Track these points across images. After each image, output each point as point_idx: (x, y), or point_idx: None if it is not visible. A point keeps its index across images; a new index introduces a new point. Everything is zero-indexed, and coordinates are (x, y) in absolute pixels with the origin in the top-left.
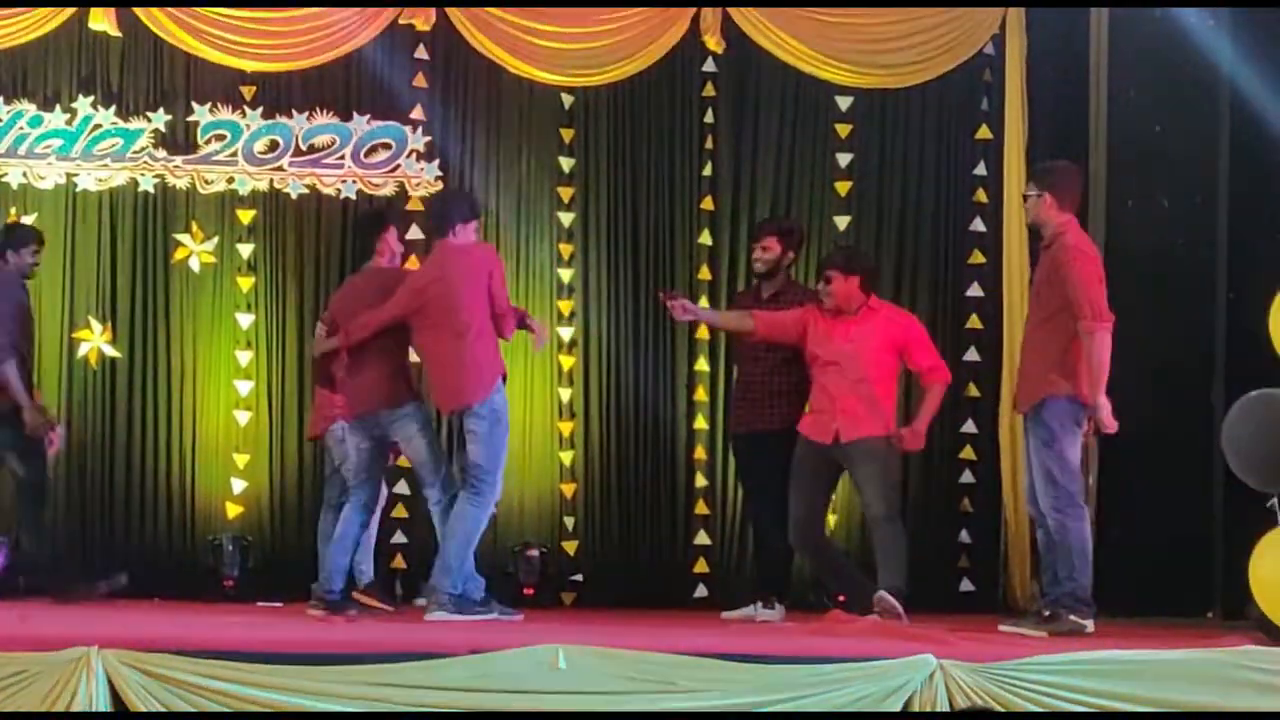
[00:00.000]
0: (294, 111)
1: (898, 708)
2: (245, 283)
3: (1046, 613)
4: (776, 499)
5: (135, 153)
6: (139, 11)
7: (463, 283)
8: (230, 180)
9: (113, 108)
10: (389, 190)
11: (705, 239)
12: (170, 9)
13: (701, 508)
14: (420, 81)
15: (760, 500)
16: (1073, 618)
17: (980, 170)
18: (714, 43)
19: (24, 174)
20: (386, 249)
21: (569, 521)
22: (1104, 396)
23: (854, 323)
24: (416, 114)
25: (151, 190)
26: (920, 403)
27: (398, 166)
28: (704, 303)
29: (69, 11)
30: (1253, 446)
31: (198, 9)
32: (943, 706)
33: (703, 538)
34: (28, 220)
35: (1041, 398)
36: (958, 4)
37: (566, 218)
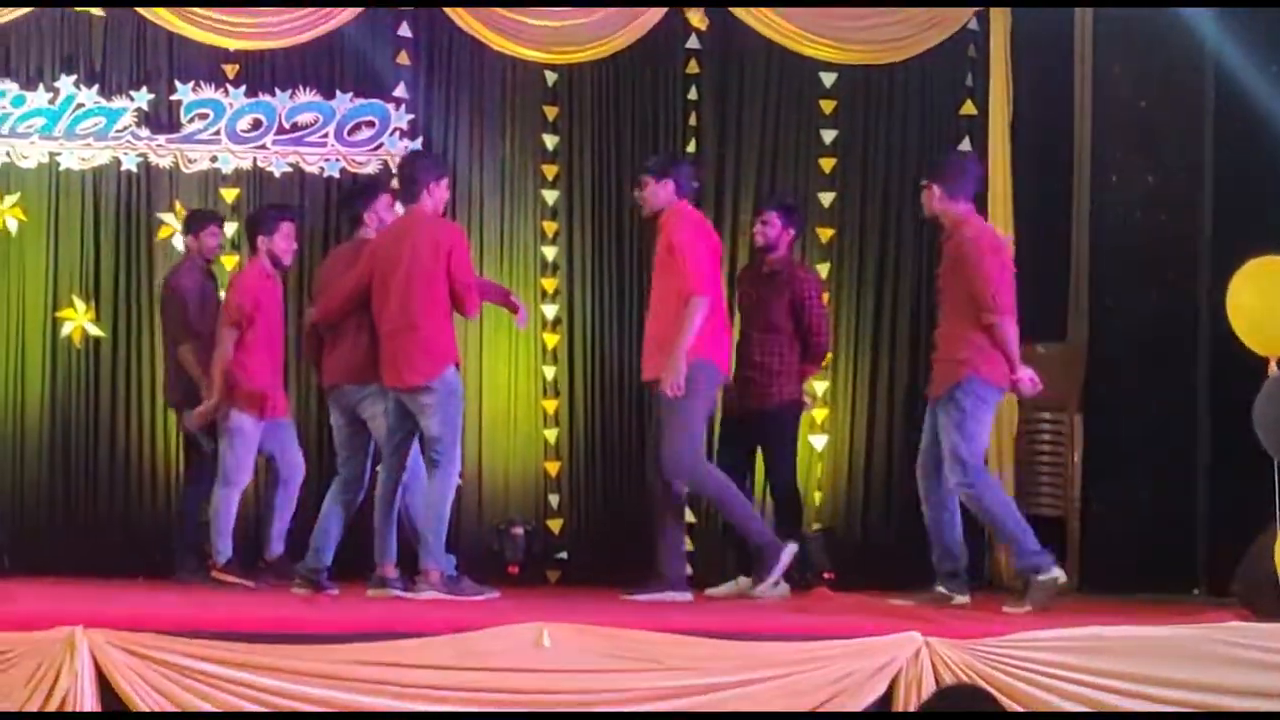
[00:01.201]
0: (277, 90)
1: (884, 685)
2: (229, 261)
3: (961, 596)
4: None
5: (118, 132)
6: None
7: (417, 256)
8: (213, 159)
9: (95, 87)
10: (372, 168)
11: None
12: None
13: None
14: (403, 59)
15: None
16: (1040, 578)
17: (965, 146)
18: (697, 19)
19: (7, 153)
20: (375, 219)
21: (554, 499)
22: (1022, 368)
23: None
24: (399, 92)
25: (135, 169)
26: None
27: (381, 144)
28: None
29: None
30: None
31: None
32: (929, 684)
33: (688, 516)
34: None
35: (956, 380)
36: (938, 4)
37: (550, 195)
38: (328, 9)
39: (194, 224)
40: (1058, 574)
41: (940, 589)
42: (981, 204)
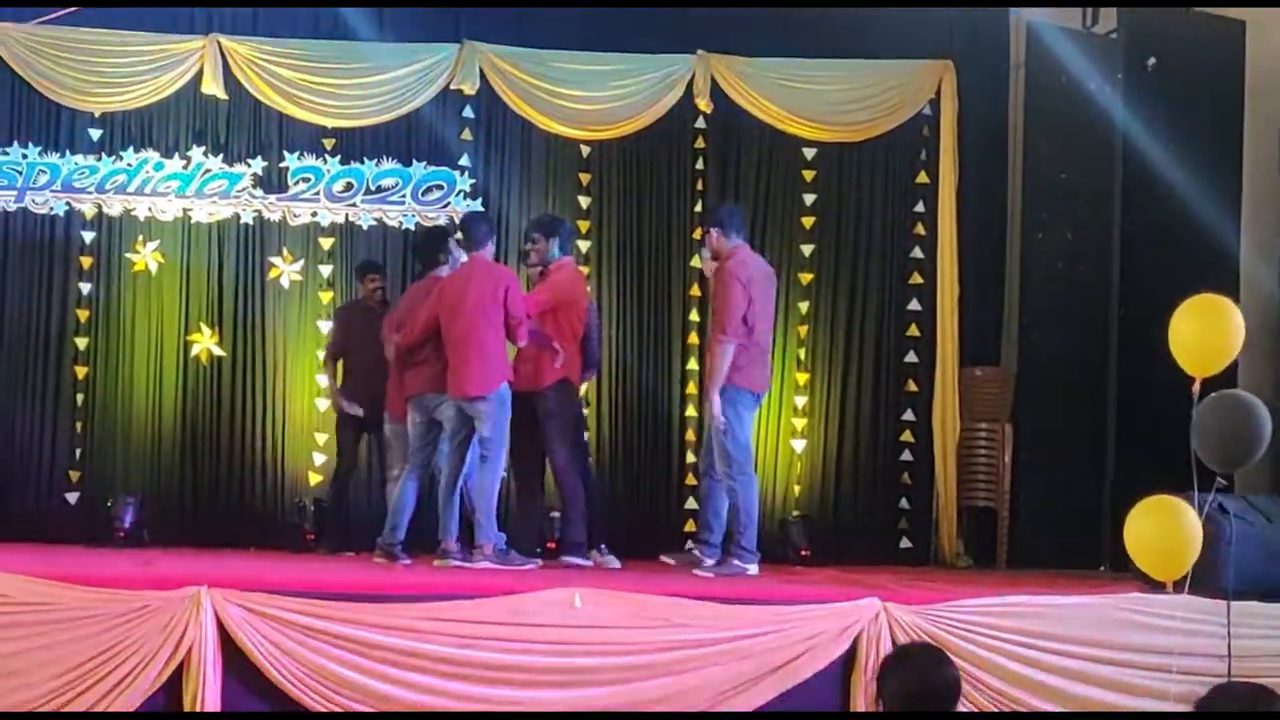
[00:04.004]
0: (365, 159)
1: (848, 643)
2: (325, 296)
3: (709, 560)
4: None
5: (238, 192)
6: (240, 77)
7: (481, 292)
8: (314, 214)
9: (220, 155)
10: (441, 222)
11: (695, 262)
12: (267, 76)
13: (690, 480)
14: (467, 135)
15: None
16: (737, 563)
17: (919, 208)
18: (704, 104)
19: (149, 208)
20: (449, 258)
21: None
22: (716, 395)
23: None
24: (464, 161)
25: (251, 222)
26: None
27: (448, 203)
28: (694, 315)
29: (187, 78)
30: (1214, 435)
31: (291, 76)
32: (886, 643)
33: (691, 503)
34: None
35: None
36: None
37: (584, 244)
38: (406, 93)
39: (358, 272)
40: (753, 570)
41: (694, 551)
42: (930, 256)
